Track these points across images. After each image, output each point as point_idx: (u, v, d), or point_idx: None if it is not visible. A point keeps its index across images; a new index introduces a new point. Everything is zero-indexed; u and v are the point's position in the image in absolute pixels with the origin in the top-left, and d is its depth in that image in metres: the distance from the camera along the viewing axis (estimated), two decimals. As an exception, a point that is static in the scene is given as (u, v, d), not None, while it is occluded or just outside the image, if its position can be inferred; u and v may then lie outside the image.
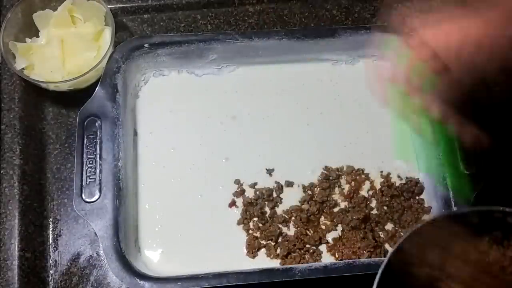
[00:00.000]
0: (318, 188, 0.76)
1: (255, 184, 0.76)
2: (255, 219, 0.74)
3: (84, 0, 0.81)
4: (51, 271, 0.73)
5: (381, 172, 0.77)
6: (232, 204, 0.75)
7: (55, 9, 0.81)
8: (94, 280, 0.73)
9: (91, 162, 0.70)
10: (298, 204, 0.75)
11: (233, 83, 0.82)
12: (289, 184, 0.76)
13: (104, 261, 0.73)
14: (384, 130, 0.79)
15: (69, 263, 0.74)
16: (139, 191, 0.75)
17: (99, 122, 0.72)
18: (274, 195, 0.75)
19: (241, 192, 0.75)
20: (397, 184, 0.77)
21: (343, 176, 0.77)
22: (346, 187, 0.76)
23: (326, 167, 0.77)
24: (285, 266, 0.68)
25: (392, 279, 0.54)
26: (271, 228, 0.73)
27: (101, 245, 0.67)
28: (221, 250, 0.72)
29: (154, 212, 0.74)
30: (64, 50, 0.79)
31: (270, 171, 0.77)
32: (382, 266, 0.54)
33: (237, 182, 0.76)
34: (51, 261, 0.74)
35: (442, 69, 0.48)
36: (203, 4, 0.88)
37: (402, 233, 0.74)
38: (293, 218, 0.74)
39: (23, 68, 0.77)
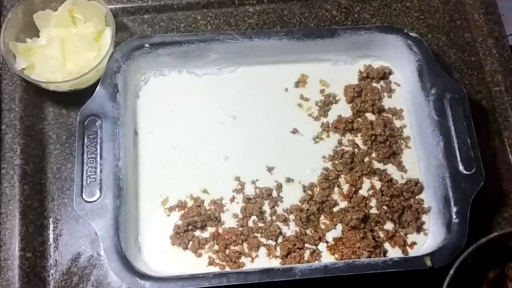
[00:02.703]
0: (318, 188, 0.76)
1: (256, 181, 0.76)
2: (254, 218, 0.74)
3: (84, 1, 0.81)
4: (51, 271, 0.74)
5: (382, 171, 0.78)
6: (232, 200, 0.75)
7: (55, 9, 0.81)
8: (95, 280, 0.73)
9: (91, 162, 0.70)
10: (298, 203, 0.75)
11: (233, 83, 0.82)
12: (289, 180, 0.76)
13: (105, 260, 0.73)
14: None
15: (69, 263, 0.74)
16: (139, 190, 0.75)
17: (99, 121, 0.72)
18: (274, 194, 0.75)
19: (241, 189, 0.75)
20: (397, 184, 0.77)
21: (342, 176, 0.77)
22: (346, 187, 0.76)
23: (325, 167, 0.77)
24: (285, 266, 0.68)
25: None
26: (271, 227, 0.73)
27: (101, 245, 0.67)
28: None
29: (154, 212, 0.74)
30: (65, 50, 0.79)
31: (270, 169, 0.77)
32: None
33: (237, 179, 0.76)
34: (51, 261, 0.74)
35: None
36: (203, 4, 0.88)
37: (402, 233, 0.74)
38: (293, 217, 0.74)
39: (23, 68, 0.78)
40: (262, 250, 0.73)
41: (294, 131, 0.79)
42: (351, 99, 0.81)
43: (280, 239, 0.73)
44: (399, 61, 0.82)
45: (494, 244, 0.63)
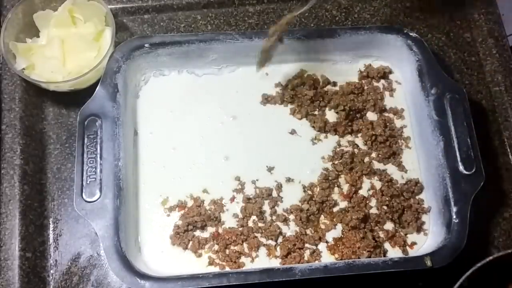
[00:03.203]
0: (318, 188, 0.76)
1: (256, 181, 0.76)
2: (254, 218, 0.74)
3: (84, 1, 0.81)
4: (51, 271, 0.74)
5: (381, 171, 0.78)
6: (232, 200, 0.75)
7: (55, 9, 0.81)
8: (95, 280, 0.73)
9: (91, 162, 0.70)
10: (298, 203, 0.75)
11: (233, 83, 0.82)
12: (289, 180, 0.76)
13: (105, 260, 0.73)
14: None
15: (69, 263, 0.74)
16: (139, 190, 0.75)
17: (99, 121, 0.72)
18: (274, 194, 0.75)
19: (241, 189, 0.75)
20: (397, 184, 0.77)
21: (342, 176, 0.77)
22: (346, 187, 0.76)
23: (325, 167, 0.77)
24: (285, 266, 0.68)
25: None
26: (271, 228, 0.73)
27: (101, 245, 0.67)
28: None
29: (154, 212, 0.74)
30: (65, 50, 0.79)
31: (270, 169, 0.77)
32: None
33: (237, 179, 0.76)
34: (51, 261, 0.74)
35: None
36: (203, 4, 0.88)
37: (402, 233, 0.74)
38: (293, 217, 0.74)
39: (23, 68, 0.78)
40: (262, 250, 0.73)
41: (293, 132, 0.79)
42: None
43: (280, 239, 0.73)
44: (399, 61, 0.82)
45: (492, 266, 0.63)
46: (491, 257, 0.62)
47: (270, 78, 0.82)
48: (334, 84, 0.83)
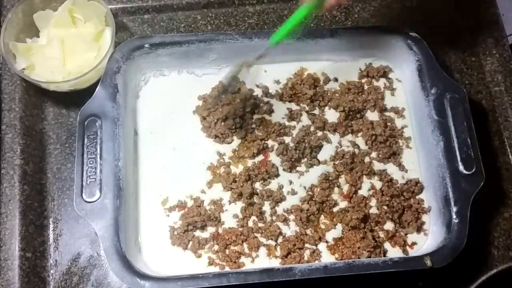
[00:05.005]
0: (318, 188, 0.76)
1: (255, 182, 0.76)
2: (254, 218, 0.74)
3: (84, 1, 0.81)
4: (51, 271, 0.74)
5: (382, 171, 0.78)
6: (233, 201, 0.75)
7: (55, 9, 0.81)
8: (95, 280, 0.73)
9: (91, 162, 0.70)
10: (298, 203, 0.75)
11: (233, 83, 0.82)
12: (290, 182, 0.76)
13: (105, 260, 0.73)
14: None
15: (69, 263, 0.74)
16: (139, 190, 0.75)
17: (99, 122, 0.72)
18: (274, 194, 0.75)
19: (241, 190, 0.75)
20: (397, 184, 0.77)
21: (342, 176, 0.77)
22: (346, 187, 0.76)
23: (326, 168, 0.77)
24: (285, 266, 0.68)
25: None
26: (271, 228, 0.73)
27: (101, 245, 0.67)
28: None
29: (154, 212, 0.74)
30: (65, 50, 0.79)
31: (269, 170, 0.77)
32: None
33: (237, 179, 0.76)
34: (51, 261, 0.74)
35: None
36: (203, 4, 0.88)
37: (402, 233, 0.74)
38: (293, 217, 0.74)
39: (23, 68, 0.78)
40: (262, 250, 0.73)
41: (295, 130, 0.79)
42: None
43: (280, 239, 0.73)
44: (399, 61, 0.82)
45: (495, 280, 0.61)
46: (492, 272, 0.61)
47: (269, 76, 0.82)
48: (336, 79, 0.82)
